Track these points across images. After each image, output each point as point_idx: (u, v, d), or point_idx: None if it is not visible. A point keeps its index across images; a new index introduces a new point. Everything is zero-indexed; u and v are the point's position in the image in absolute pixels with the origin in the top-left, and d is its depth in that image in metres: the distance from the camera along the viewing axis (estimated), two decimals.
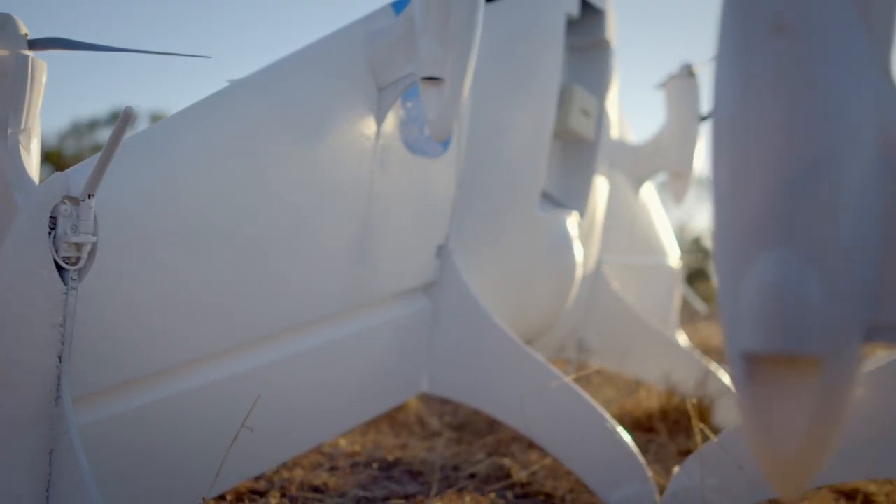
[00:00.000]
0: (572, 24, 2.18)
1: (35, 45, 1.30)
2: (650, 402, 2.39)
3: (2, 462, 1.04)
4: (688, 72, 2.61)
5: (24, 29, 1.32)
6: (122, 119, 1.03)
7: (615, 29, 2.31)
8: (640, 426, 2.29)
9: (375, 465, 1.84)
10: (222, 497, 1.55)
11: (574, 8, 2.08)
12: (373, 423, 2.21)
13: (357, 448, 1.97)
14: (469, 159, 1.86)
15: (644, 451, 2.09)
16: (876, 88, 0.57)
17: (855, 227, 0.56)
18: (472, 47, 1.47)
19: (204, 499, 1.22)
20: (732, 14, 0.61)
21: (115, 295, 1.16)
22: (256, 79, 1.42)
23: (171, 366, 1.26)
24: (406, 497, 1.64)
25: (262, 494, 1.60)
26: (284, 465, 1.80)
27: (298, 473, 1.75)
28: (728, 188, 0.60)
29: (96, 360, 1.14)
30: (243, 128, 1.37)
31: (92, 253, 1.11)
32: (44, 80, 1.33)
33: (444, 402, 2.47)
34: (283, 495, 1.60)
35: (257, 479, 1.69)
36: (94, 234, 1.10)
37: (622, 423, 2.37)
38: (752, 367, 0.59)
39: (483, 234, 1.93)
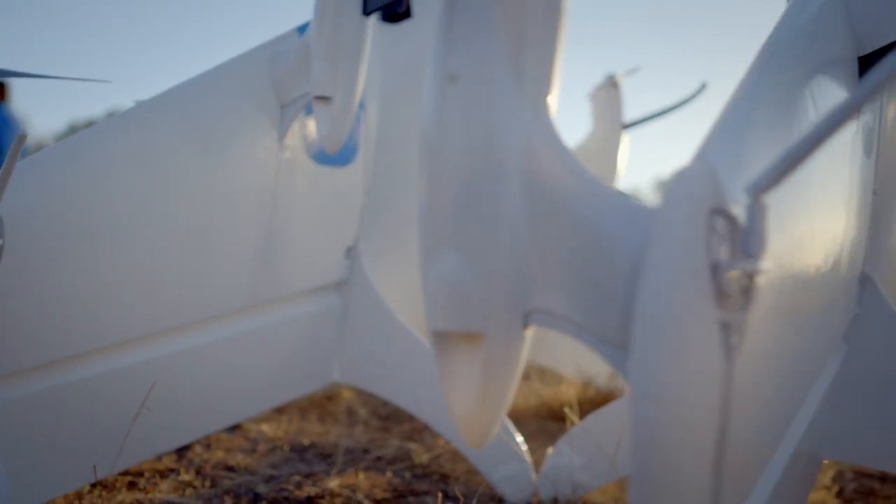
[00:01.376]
0: None
1: None
2: (569, 393, 2.55)
3: None
4: (611, 83, 2.76)
5: None
6: (16, 142, 1.20)
7: None
8: (556, 415, 2.45)
9: (288, 448, 2.01)
10: (140, 473, 1.72)
11: None
12: (302, 413, 2.37)
13: (280, 434, 2.13)
14: (379, 167, 2.03)
15: (555, 437, 2.26)
16: (525, 123, 0.73)
17: (507, 232, 0.72)
18: (358, 70, 1.63)
19: (95, 466, 1.38)
20: (431, 65, 0.77)
21: (24, 291, 1.32)
22: (163, 98, 1.58)
23: (75, 353, 1.42)
24: (309, 475, 1.80)
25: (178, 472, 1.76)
26: (208, 448, 1.97)
27: (218, 454, 1.91)
28: (423, 199, 0.76)
29: (3, 348, 1.31)
30: (148, 143, 1.53)
31: None
32: None
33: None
34: (197, 473, 1.77)
35: (179, 458, 1.86)
36: (0, 237, 1.27)
37: (540, 412, 2.53)
38: (439, 341, 0.75)
39: (393, 237, 2.10)
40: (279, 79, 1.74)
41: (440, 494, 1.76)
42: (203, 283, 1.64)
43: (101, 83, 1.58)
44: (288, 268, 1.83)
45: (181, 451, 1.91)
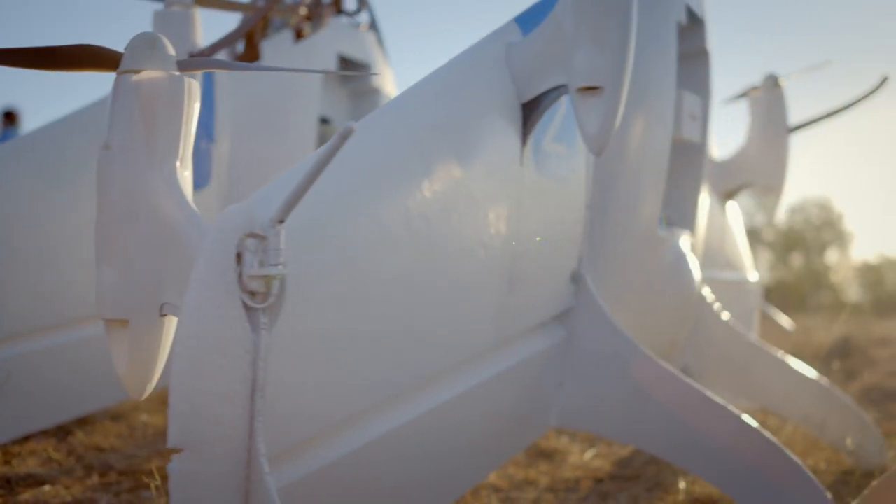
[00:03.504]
0: (348, 67, 2.73)
1: None
2: None
3: None
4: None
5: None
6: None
7: (390, 78, 2.83)
8: None
9: (157, 433, 2.34)
10: (17, 454, 2.05)
11: (347, 48, 2.62)
12: None
13: (158, 422, 2.47)
14: (235, 189, 2.37)
15: None
16: (152, 179, 1.06)
17: (141, 251, 1.06)
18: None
19: None
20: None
21: None
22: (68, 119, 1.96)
23: None
24: (165, 453, 2.13)
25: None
26: (90, 434, 2.30)
27: (95, 439, 2.25)
28: (97, 233, 1.10)
29: None
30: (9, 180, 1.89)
31: None
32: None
33: None
34: (69, 453, 2.10)
35: (59, 442, 2.19)
36: None
37: None
38: (105, 325, 1.09)
39: None
40: None
41: None
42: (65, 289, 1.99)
43: None
44: None
45: (64, 437, 2.24)
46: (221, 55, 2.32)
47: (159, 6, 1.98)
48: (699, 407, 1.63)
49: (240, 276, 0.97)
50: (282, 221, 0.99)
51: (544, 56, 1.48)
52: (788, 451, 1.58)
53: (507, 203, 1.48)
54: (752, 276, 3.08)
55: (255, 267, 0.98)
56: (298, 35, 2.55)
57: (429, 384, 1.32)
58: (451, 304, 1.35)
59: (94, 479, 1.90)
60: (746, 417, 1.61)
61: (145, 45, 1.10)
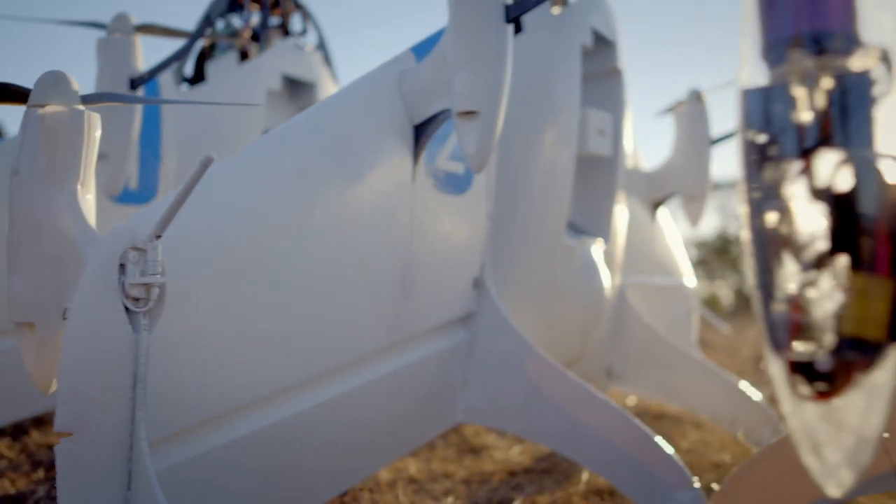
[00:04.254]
0: (294, 86, 2.88)
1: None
2: None
3: None
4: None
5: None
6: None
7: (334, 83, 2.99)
8: None
9: None
10: None
11: (291, 69, 2.78)
12: None
13: None
14: None
15: None
16: (52, 198, 1.21)
17: (46, 263, 1.21)
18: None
19: None
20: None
21: None
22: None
23: None
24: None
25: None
26: (49, 434, 2.44)
27: (51, 438, 2.39)
28: (8, 247, 1.25)
29: None
30: None
31: None
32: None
33: None
34: (21, 451, 2.25)
35: (14, 440, 2.34)
36: None
37: None
38: (17, 328, 1.24)
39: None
40: None
41: None
42: None
43: None
44: None
45: (19, 436, 2.39)
46: (167, 76, 2.47)
47: (102, 34, 2.13)
48: (585, 403, 1.79)
49: (123, 284, 1.12)
50: (159, 237, 1.14)
51: (431, 82, 1.64)
52: (663, 444, 1.73)
53: (400, 216, 1.63)
54: (689, 281, 3.22)
55: (137, 276, 1.13)
56: (245, 56, 2.70)
57: (317, 380, 1.47)
58: (339, 308, 1.50)
59: (40, 473, 2.05)
60: (627, 413, 1.77)
61: (51, 82, 1.25)
